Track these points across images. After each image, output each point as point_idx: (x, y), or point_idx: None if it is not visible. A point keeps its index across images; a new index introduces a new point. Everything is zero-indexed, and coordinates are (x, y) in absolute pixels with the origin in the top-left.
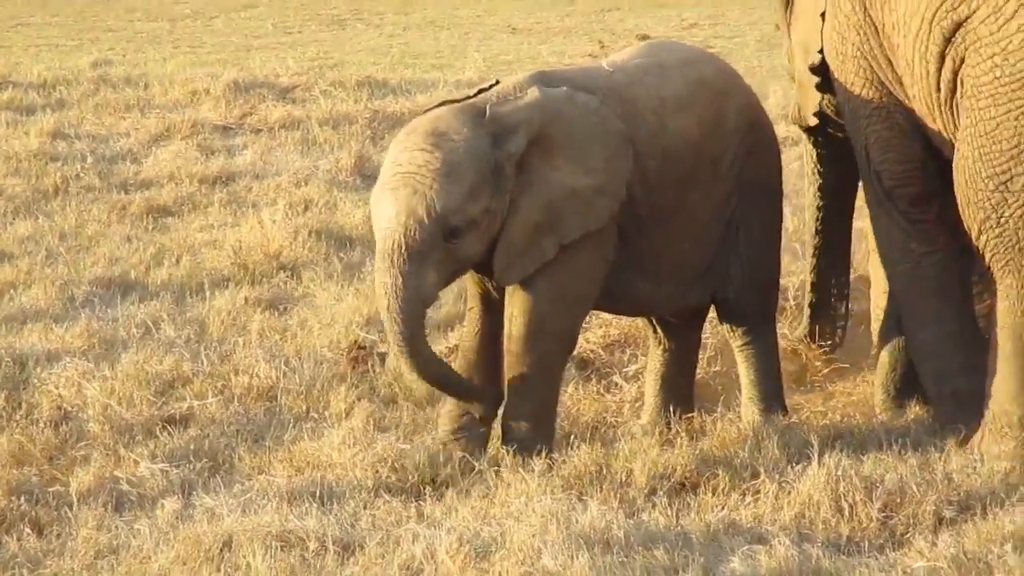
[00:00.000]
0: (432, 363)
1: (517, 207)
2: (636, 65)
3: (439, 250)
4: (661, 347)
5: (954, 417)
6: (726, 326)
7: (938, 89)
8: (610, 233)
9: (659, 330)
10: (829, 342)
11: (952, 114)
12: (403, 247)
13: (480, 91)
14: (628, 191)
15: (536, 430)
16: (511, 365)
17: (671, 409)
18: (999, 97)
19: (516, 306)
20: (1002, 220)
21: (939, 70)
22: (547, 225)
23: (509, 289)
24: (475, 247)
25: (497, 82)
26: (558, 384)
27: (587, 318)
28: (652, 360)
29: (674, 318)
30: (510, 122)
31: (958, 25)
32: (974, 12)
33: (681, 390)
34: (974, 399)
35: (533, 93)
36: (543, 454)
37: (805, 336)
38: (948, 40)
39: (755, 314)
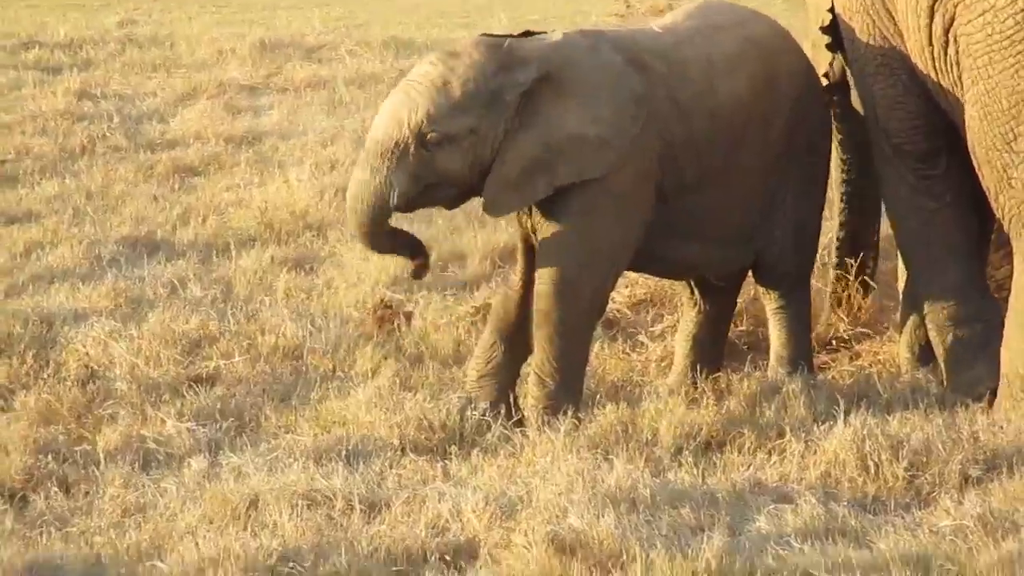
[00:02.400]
0: (383, 247)
1: (516, 140)
2: (687, 27)
3: (413, 156)
4: (696, 308)
5: (960, 367)
6: (762, 287)
7: (930, 44)
8: (645, 194)
9: (696, 291)
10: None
11: (947, 69)
12: (380, 145)
13: (525, 34)
14: (673, 153)
15: (563, 389)
16: (539, 323)
17: (699, 370)
18: (993, 55)
19: (545, 263)
20: (1012, 181)
21: (929, 25)
22: (543, 164)
23: (540, 244)
24: (454, 164)
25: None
26: (587, 344)
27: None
28: (685, 320)
29: (716, 279)
30: (525, 55)
31: None
32: None
33: (711, 352)
34: (980, 350)
35: (557, 35)
36: (569, 413)
37: (832, 294)
38: None
39: (793, 276)
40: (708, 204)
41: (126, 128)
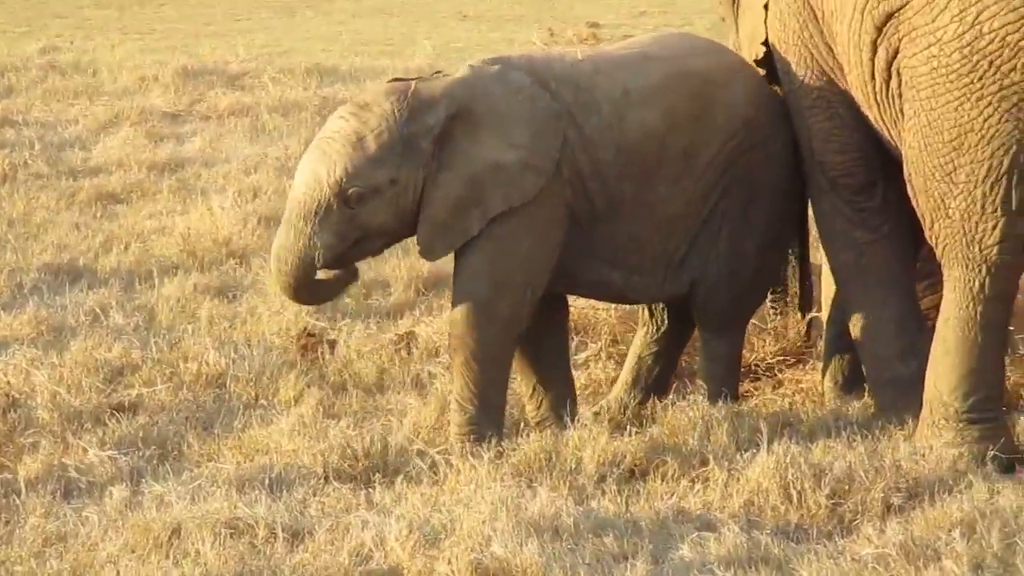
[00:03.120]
0: (313, 300)
1: (439, 181)
2: (616, 55)
3: (336, 214)
4: (647, 329)
5: (894, 403)
6: (696, 317)
7: (872, 78)
8: (558, 218)
9: (650, 313)
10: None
11: (888, 103)
12: (302, 206)
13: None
14: (581, 180)
15: (483, 414)
16: (455, 348)
17: (641, 391)
18: (937, 88)
19: (458, 288)
20: (949, 212)
21: (872, 59)
22: (470, 200)
23: (455, 269)
24: (379, 217)
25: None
26: (506, 368)
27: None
28: (636, 339)
29: (665, 304)
30: (432, 97)
31: (890, 15)
32: (908, 2)
33: (657, 375)
34: (915, 386)
35: (464, 70)
36: (492, 441)
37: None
38: (880, 29)
39: (728, 310)
40: (625, 232)
41: (48, 155)
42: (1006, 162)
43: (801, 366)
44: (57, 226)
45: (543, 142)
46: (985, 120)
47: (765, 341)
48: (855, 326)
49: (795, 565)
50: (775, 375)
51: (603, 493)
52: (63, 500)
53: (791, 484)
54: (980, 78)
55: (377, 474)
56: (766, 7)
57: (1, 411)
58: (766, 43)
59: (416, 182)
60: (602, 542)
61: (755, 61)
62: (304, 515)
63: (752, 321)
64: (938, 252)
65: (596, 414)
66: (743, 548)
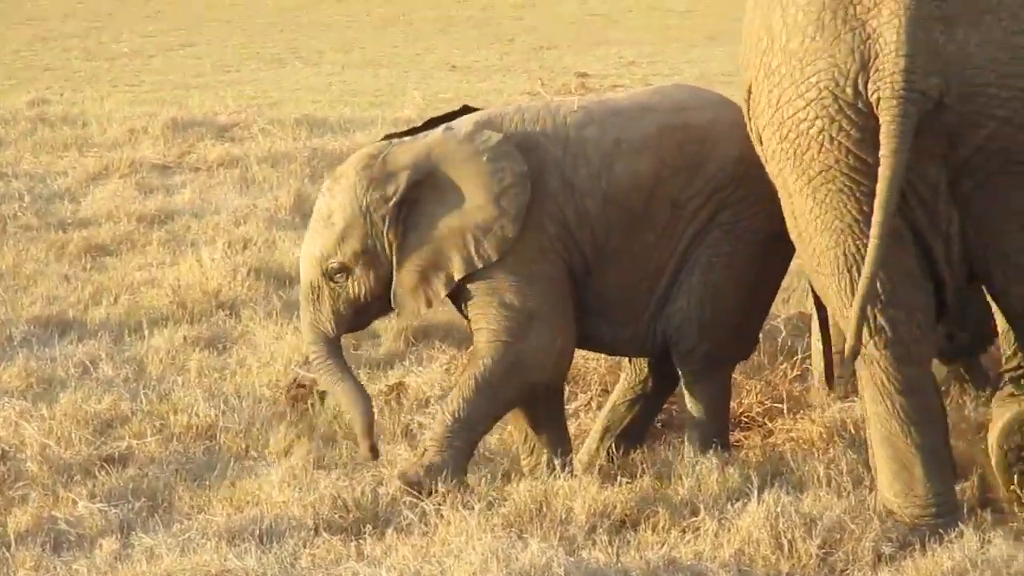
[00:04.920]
0: (333, 378)
1: (407, 245)
2: (612, 105)
3: (327, 290)
4: (626, 376)
5: None
6: (677, 361)
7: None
8: (554, 271)
9: (632, 363)
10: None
11: None
12: (305, 287)
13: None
14: (569, 232)
15: (449, 442)
16: (467, 367)
17: (613, 439)
18: (776, 177)
19: (473, 351)
20: (831, 305)
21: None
22: (435, 263)
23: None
24: (361, 287)
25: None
26: (502, 408)
27: None
28: (616, 387)
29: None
30: (397, 165)
31: (748, 92)
32: (750, 86)
33: (630, 423)
34: None
35: (435, 134)
36: (446, 475)
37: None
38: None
39: (703, 354)
40: (614, 283)
41: (37, 207)
42: (839, 253)
43: (791, 415)
44: (46, 278)
45: (505, 204)
46: (810, 210)
47: (755, 390)
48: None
49: None
50: (765, 424)
51: (594, 543)
52: (53, 553)
53: (782, 533)
54: (793, 168)
55: (367, 525)
56: None
57: None
58: None
59: (384, 249)
60: None
61: None
62: (295, 567)
63: (741, 370)
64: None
65: (587, 465)
66: None
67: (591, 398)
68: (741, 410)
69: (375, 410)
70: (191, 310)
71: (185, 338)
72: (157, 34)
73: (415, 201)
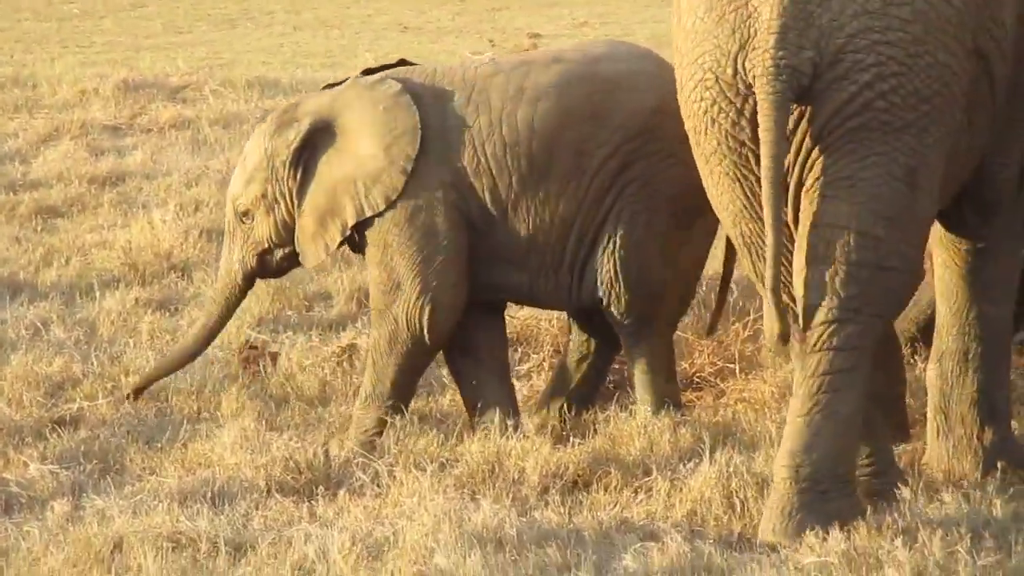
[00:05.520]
0: (221, 316)
1: (305, 193)
2: (526, 57)
3: (238, 230)
4: (571, 338)
5: None
6: (611, 322)
7: None
8: (447, 221)
9: (575, 322)
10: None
11: None
12: (226, 224)
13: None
14: (466, 179)
15: (367, 412)
16: (368, 349)
17: (565, 400)
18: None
19: (370, 288)
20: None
21: None
22: (331, 209)
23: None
24: (264, 230)
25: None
26: (404, 375)
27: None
28: (566, 355)
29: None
30: (302, 111)
31: None
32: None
33: (579, 384)
34: None
35: (345, 85)
36: (368, 433)
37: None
38: None
39: (636, 319)
40: (521, 232)
41: None
42: (737, 234)
43: (743, 375)
44: None
45: (394, 154)
46: (709, 190)
47: (707, 350)
48: None
49: (738, 574)
50: (717, 384)
51: (546, 504)
52: (4, 515)
53: (734, 493)
54: (695, 147)
55: (320, 487)
56: None
57: None
58: None
59: (285, 195)
60: (545, 553)
61: None
62: (247, 528)
63: (693, 331)
64: None
65: (539, 426)
66: (686, 558)
67: (543, 359)
68: (693, 370)
69: (326, 372)
70: (143, 272)
71: (137, 300)
72: None
73: (314, 148)
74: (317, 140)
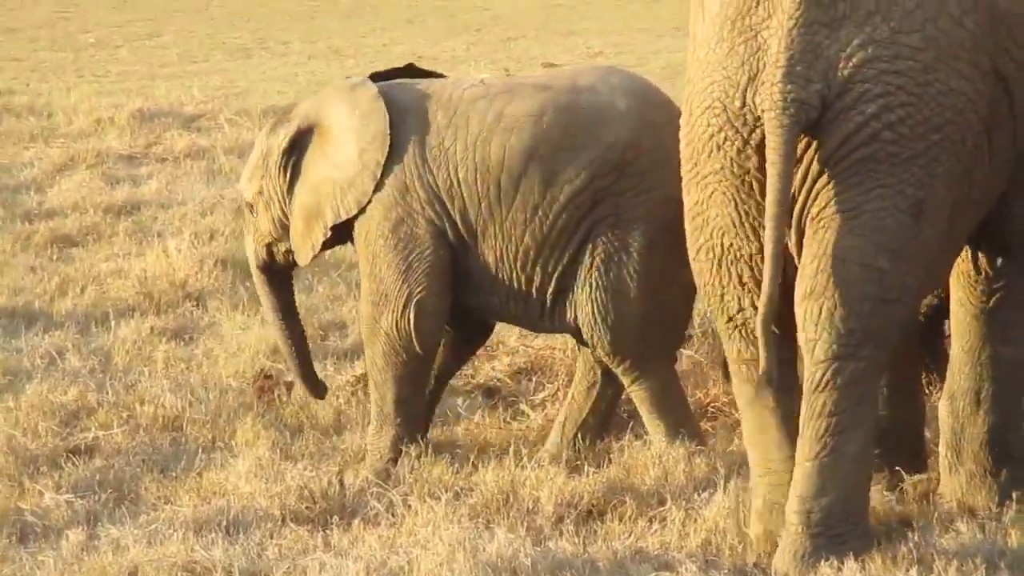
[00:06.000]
0: (271, 302)
1: (295, 193)
2: (516, 83)
3: (249, 221)
4: (581, 371)
5: None
6: (604, 359)
7: None
8: (423, 236)
9: (582, 354)
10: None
11: None
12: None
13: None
14: (439, 199)
15: (380, 435)
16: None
17: (576, 429)
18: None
19: (360, 304)
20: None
21: None
22: (315, 210)
23: None
24: (264, 224)
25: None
26: (400, 382)
27: (491, 344)
28: (574, 382)
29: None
30: (294, 113)
31: None
32: None
33: (589, 413)
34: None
35: (331, 87)
36: (384, 459)
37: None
38: None
39: (620, 358)
40: (489, 257)
41: (3, 198)
42: (714, 245)
43: None
44: (12, 269)
45: (366, 159)
46: (695, 206)
47: (720, 380)
48: None
49: None
50: (732, 414)
51: (561, 533)
52: (19, 544)
53: (748, 524)
54: (689, 168)
55: (334, 516)
56: None
57: None
58: None
59: (278, 193)
60: None
61: None
62: (261, 558)
63: (707, 361)
64: None
65: (554, 455)
66: None
67: (557, 388)
68: (708, 400)
69: (341, 401)
70: (158, 301)
71: (152, 329)
72: (124, 24)
73: (301, 149)
74: (303, 141)
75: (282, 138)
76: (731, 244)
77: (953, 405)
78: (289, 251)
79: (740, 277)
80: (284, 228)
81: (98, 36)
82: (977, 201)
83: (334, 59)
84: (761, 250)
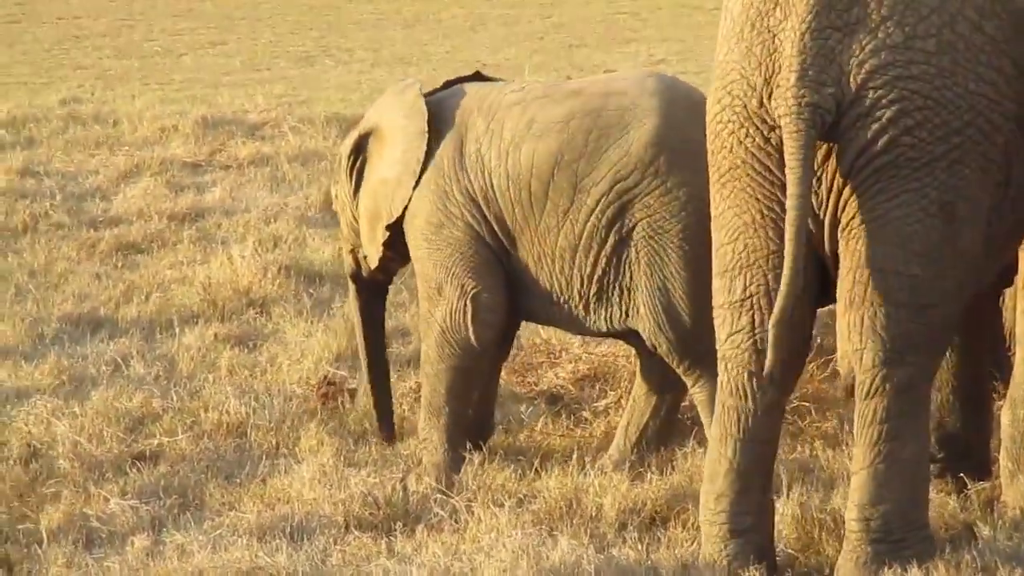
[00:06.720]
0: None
1: (358, 195)
2: (550, 89)
3: (339, 228)
4: (641, 378)
5: None
6: (665, 359)
7: None
8: (465, 238)
9: (643, 361)
10: None
11: None
12: None
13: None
14: (477, 205)
15: (429, 428)
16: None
17: (640, 442)
18: None
19: (419, 301)
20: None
21: None
22: (374, 211)
23: None
24: (344, 230)
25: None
26: (452, 380)
27: (555, 351)
28: (634, 388)
29: (645, 351)
30: (362, 120)
31: None
32: None
33: (649, 418)
34: None
35: (386, 92)
36: (437, 451)
37: None
38: None
39: (681, 360)
40: (527, 260)
41: (69, 206)
42: (733, 249)
43: (820, 413)
44: (78, 276)
45: (407, 158)
46: (717, 206)
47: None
48: None
49: None
50: (794, 422)
51: (624, 541)
52: (85, 550)
53: (811, 530)
54: (711, 164)
55: (398, 523)
56: None
57: (23, 461)
58: None
59: (346, 195)
60: None
61: None
62: (325, 564)
63: None
64: None
65: (617, 462)
66: None
67: (620, 395)
68: None
69: (404, 408)
70: (222, 308)
71: (216, 336)
72: (188, 32)
73: (364, 152)
74: (365, 146)
75: (348, 142)
76: (754, 246)
77: (1014, 413)
78: (365, 256)
79: (758, 277)
80: (357, 233)
81: (162, 44)
82: (1020, 200)
83: (397, 67)
84: (779, 250)
